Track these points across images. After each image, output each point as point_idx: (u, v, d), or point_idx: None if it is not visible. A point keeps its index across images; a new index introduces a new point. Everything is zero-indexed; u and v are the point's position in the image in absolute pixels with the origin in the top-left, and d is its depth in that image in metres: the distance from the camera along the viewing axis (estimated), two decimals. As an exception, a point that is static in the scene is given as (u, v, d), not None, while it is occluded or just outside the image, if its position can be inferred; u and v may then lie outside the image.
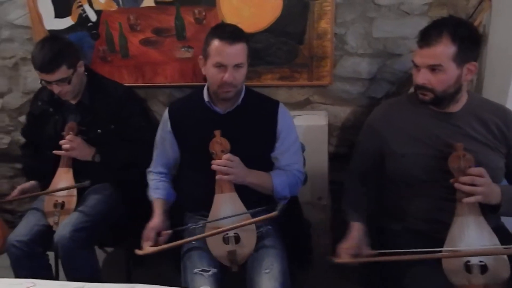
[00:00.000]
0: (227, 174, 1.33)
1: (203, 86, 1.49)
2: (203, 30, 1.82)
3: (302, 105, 1.94)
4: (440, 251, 1.18)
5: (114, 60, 1.99)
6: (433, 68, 1.23)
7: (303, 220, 1.66)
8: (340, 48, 1.82)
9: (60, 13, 1.96)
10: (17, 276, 1.50)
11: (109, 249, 2.02)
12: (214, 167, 1.32)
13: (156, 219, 1.39)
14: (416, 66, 1.29)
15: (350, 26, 1.78)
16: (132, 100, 1.80)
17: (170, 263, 1.47)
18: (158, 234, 1.35)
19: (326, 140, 1.81)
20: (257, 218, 1.32)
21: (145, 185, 1.58)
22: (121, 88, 1.79)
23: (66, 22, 1.96)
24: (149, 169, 1.60)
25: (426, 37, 1.24)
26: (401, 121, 1.38)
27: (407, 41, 1.74)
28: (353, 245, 1.26)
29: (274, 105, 1.49)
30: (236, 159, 1.34)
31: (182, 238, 1.35)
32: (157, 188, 1.52)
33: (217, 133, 1.37)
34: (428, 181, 1.32)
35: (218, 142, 1.36)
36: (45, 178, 1.70)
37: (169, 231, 1.36)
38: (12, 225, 2.39)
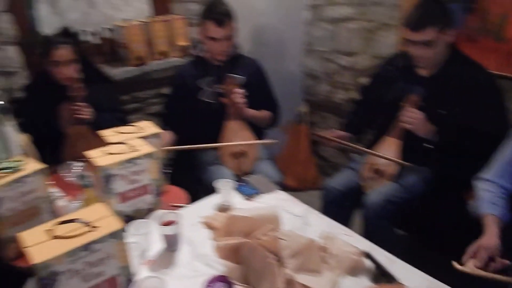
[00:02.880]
0: None
1: None
2: None
3: None
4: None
5: (482, 42, 1.74)
6: None
7: None
8: None
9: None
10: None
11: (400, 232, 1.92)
12: None
13: (492, 239, 1.18)
14: None
15: None
16: (492, 89, 1.53)
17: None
18: (490, 258, 1.14)
19: None
20: None
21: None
22: (484, 73, 1.53)
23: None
24: (485, 176, 1.34)
25: None
26: None
27: None
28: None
29: None
30: None
31: None
32: (494, 203, 1.27)
33: None
34: None
35: None
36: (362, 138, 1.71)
37: (507, 262, 1.12)
38: (322, 171, 2.69)
